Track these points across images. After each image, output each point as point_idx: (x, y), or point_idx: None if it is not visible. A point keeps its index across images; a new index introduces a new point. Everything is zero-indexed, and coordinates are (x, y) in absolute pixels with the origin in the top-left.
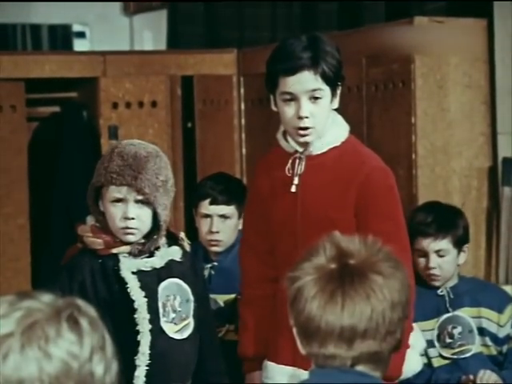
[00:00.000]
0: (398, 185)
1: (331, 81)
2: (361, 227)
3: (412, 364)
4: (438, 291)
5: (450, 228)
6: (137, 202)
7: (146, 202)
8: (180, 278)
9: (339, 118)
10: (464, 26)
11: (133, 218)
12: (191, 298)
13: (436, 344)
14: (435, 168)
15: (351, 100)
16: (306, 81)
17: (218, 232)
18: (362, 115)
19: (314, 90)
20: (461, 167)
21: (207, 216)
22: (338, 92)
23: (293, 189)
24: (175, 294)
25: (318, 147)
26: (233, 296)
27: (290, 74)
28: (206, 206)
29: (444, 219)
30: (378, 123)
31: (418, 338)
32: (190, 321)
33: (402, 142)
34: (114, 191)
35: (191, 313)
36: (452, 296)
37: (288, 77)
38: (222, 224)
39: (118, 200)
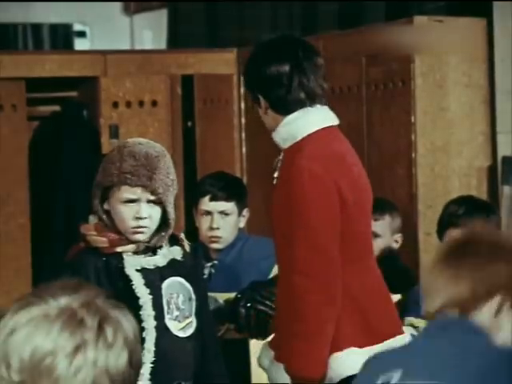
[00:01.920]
0: (398, 183)
1: (252, 88)
2: (283, 224)
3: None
4: None
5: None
6: (149, 201)
7: (157, 202)
8: (182, 277)
9: (307, 112)
10: (463, 25)
11: (145, 218)
12: (193, 296)
13: None
14: (435, 167)
15: (351, 99)
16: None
17: (218, 228)
18: (362, 114)
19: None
20: (460, 166)
21: (208, 213)
22: (269, 96)
23: (274, 181)
24: (178, 292)
25: (280, 143)
26: (233, 295)
27: None
28: (206, 203)
29: (475, 212)
30: (377, 122)
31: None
32: (193, 319)
33: (402, 141)
34: (127, 191)
35: (193, 311)
36: None
37: None
38: (222, 220)
39: (131, 200)
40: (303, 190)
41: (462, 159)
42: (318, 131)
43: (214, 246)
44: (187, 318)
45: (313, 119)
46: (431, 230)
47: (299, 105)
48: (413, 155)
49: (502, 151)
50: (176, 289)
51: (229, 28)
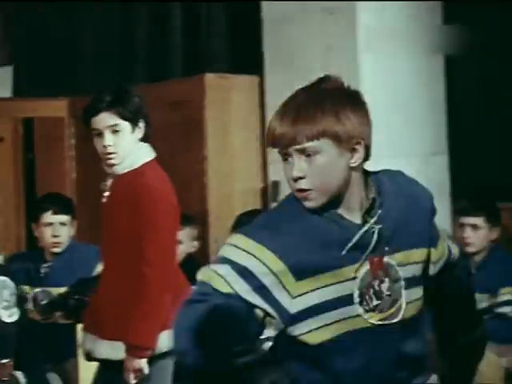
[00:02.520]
0: (193, 203)
1: (129, 118)
2: (130, 231)
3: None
4: None
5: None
6: None
7: None
8: (5, 276)
9: (144, 146)
10: (243, 81)
11: None
12: (15, 291)
13: None
14: (222, 189)
15: (157, 138)
16: (105, 119)
17: (59, 236)
18: (166, 149)
19: (113, 126)
20: (241, 188)
21: (50, 224)
22: (141, 126)
23: (103, 199)
24: (4, 287)
25: (121, 169)
26: (64, 289)
27: (93, 116)
28: (49, 216)
29: None
30: (179, 155)
31: None
32: (16, 309)
33: (197, 169)
34: None
35: (16, 303)
36: None
37: (92, 118)
38: (61, 229)
39: None
40: (154, 204)
41: (242, 183)
42: (150, 161)
43: (56, 250)
44: (12, 307)
45: (146, 151)
46: (218, 236)
47: (147, 139)
48: (204, 180)
49: (272, 177)
50: (2, 285)
51: (62, 80)
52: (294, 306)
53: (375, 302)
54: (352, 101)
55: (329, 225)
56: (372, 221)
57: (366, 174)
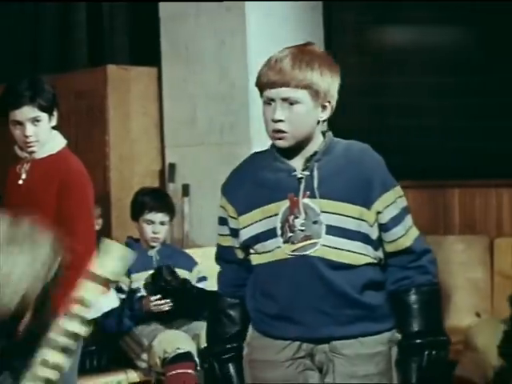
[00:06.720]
0: (96, 184)
1: (47, 109)
2: (60, 210)
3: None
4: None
5: None
6: None
7: None
8: None
9: (57, 134)
10: (142, 72)
11: None
12: None
13: None
14: (123, 171)
15: (63, 124)
16: (27, 112)
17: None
18: (72, 135)
19: (34, 117)
20: (141, 170)
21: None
22: (55, 114)
23: (19, 182)
24: None
25: (39, 154)
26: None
27: (15, 109)
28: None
29: (159, 199)
30: (83, 140)
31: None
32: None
33: (100, 153)
34: None
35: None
36: None
37: (13, 110)
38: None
39: None
40: (84, 187)
41: (141, 165)
42: (65, 146)
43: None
44: None
45: (60, 138)
46: (119, 214)
47: (56, 126)
48: (107, 163)
49: (168, 160)
50: None
51: None
52: (240, 237)
53: (289, 235)
54: (331, 66)
55: (266, 170)
56: (305, 170)
57: (324, 133)
